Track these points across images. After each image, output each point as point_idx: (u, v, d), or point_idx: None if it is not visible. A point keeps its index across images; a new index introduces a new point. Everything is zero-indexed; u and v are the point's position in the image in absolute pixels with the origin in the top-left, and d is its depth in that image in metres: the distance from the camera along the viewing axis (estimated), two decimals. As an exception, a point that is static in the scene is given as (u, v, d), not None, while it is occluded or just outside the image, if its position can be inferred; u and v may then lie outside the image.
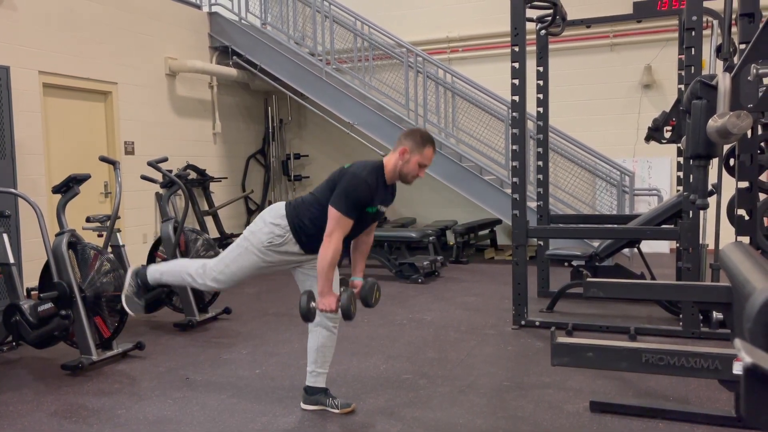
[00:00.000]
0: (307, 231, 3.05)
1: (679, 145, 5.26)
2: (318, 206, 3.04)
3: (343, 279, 3.06)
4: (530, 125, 6.75)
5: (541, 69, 5.85)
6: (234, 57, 8.72)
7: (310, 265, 3.21)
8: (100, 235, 5.11)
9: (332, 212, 2.94)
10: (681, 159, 5.28)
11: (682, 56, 4.86)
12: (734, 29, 3.55)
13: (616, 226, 5.89)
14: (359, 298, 3.09)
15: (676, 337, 4.47)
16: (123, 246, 4.92)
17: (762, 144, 4.49)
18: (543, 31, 5.73)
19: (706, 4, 4.49)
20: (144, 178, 5.50)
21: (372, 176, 2.99)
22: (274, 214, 3.11)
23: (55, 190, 4.40)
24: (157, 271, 3.44)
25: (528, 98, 4.85)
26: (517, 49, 4.70)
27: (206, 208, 8.56)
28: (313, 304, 2.91)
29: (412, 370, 3.94)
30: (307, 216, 3.05)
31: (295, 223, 3.06)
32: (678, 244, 4.68)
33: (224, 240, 8.61)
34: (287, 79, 8.49)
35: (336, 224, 2.93)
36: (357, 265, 3.31)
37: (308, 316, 2.91)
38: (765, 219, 4.44)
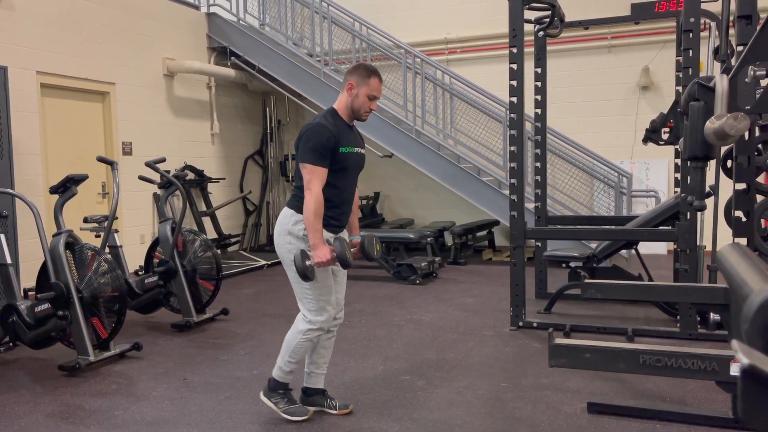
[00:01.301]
0: None
1: (677, 146, 5.26)
2: None
3: (338, 238, 3.02)
4: (528, 126, 6.76)
5: (539, 70, 5.86)
6: (232, 57, 8.71)
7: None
8: (97, 236, 5.11)
9: (303, 167, 2.95)
10: (679, 160, 5.28)
11: (680, 58, 4.87)
12: (732, 31, 3.56)
13: (613, 227, 5.89)
14: (362, 254, 3.10)
15: (674, 339, 4.47)
16: (120, 246, 4.92)
17: (759, 146, 4.50)
18: (541, 33, 5.74)
19: (703, 6, 4.50)
20: (142, 178, 5.50)
21: (326, 119, 3.01)
22: (286, 220, 3.09)
23: (53, 190, 4.39)
24: (283, 367, 3.17)
25: (526, 100, 4.85)
26: (515, 50, 4.71)
27: (204, 208, 8.56)
28: (308, 261, 2.87)
29: (410, 371, 3.94)
30: None
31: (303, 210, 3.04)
32: (675, 246, 4.69)
33: (222, 241, 8.61)
34: (285, 79, 8.50)
35: (310, 175, 2.93)
36: (351, 225, 3.30)
37: (306, 274, 2.86)
38: (762, 221, 4.44)
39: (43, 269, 4.24)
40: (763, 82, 2.77)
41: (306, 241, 3.00)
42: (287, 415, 3.19)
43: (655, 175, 8.50)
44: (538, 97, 5.87)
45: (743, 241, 3.40)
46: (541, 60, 5.85)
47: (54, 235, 4.21)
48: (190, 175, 8.24)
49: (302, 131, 3.02)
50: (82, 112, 6.92)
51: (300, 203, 3.04)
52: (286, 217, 3.10)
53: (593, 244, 6.19)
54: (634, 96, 8.57)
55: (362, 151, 3.18)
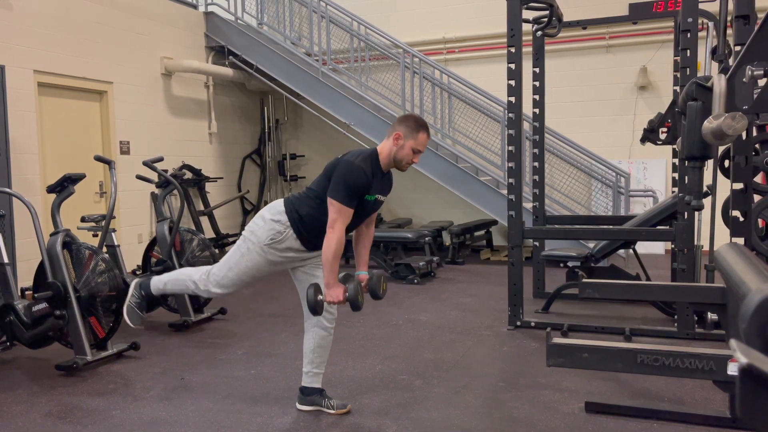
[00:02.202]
0: (307, 225, 3.03)
1: (675, 146, 5.27)
2: (316, 200, 3.03)
3: (347, 274, 3.04)
4: (526, 126, 6.76)
5: (537, 70, 5.86)
6: (230, 57, 8.71)
7: (314, 262, 3.21)
8: (95, 235, 5.10)
9: (331, 203, 2.93)
10: (676, 160, 5.29)
11: (678, 58, 4.87)
12: (729, 31, 3.56)
13: (611, 227, 5.89)
14: (367, 291, 3.09)
15: (671, 338, 4.47)
16: (118, 246, 4.91)
17: (757, 146, 4.52)
18: (539, 33, 5.74)
19: (701, 6, 4.51)
20: (139, 177, 5.49)
21: (366, 163, 2.99)
22: (274, 211, 3.10)
23: (50, 189, 4.38)
24: (161, 282, 3.40)
25: (524, 99, 4.85)
26: (513, 50, 4.71)
27: (202, 208, 8.55)
28: (320, 296, 2.89)
29: (408, 371, 3.94)
30: (305, 210, 3.04)
31: (294, 218, 3.04)
32: (673, 246, 4.69)
33: (220, 240, 8.61)
34: (283, 79, 8.49)
35: (337, 214, 2.92)
36: (361, 259, 3.30)
37: (316, 308, 2.88)
38: (760, 220, 4.45)
39: (41, 268, 4.23)
40: (761, 82, 2.77)
41: (269, 243, 3.05)
42: (126, 311, 3.43)
43: (653, 174, 8.51)
44: (536, 97, 5.87)
45: (741, 240, 3.41)
46: (539, 60, 5.85)
47: (51, 235, 4.21)
48: (188, 175, 8.22)
49: (341, 163, 2.98)
50: (79, 112, 6.91)
51: (295, 211, 3.05)
52: (276, 209, 3.10)
53: (591, 244, 6.19)
54: (632, 96, 8.57)
55: (383, 198, 3.16)
